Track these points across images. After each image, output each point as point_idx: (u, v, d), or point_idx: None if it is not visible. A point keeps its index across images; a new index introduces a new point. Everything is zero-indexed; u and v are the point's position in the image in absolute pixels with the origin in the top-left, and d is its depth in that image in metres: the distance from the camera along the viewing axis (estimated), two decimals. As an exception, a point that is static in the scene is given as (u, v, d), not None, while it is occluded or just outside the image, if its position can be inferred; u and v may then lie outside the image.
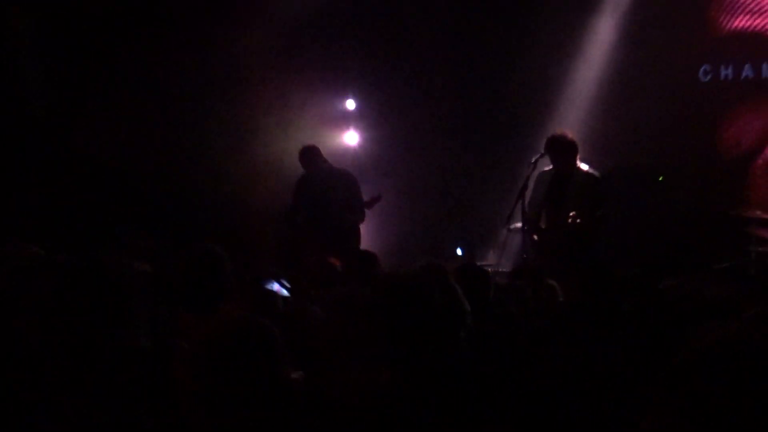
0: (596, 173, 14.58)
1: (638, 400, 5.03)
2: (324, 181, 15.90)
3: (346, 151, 19.36)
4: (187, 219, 17.01)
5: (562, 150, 14.33)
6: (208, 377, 5.09)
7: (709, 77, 19.10)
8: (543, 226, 14.49)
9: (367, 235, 16.47)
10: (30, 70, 17.24)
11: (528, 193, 14.29)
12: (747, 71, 18.85)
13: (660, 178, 17.81)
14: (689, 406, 3.37)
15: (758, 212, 16.87)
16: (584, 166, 14.49)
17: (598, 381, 5.77)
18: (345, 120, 20.00)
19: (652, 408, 3.48)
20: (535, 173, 14.70)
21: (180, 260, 8.03)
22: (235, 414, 4.84)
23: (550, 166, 14.67)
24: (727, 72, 19.01)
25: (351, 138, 19.77)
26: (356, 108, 20.03)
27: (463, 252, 17.75)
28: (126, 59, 17.92)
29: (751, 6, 18.84)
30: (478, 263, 14.96)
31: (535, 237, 14.56)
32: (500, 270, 14.33)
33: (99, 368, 5.23)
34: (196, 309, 7.19)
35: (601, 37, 19.02)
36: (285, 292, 11.79)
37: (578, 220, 13.93)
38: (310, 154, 16.05)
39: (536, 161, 14.68)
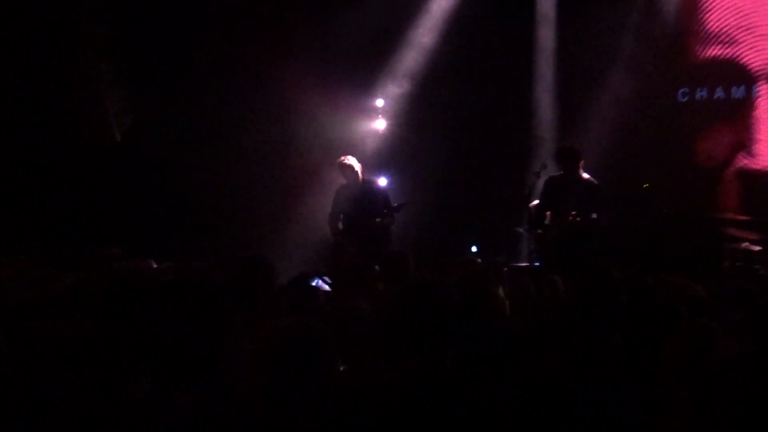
0: (596, 181, 14.66)
1: (639, 391, 4.95)
2: (358, 190, 15.92)
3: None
4: (240, 222, 17.04)
5: (570, 158, 14.46)
6: (264, 378, 4.90)
7: (686, 98, 19.18)
8: (548, 224, 14.55)
9: (396, 233, 16.46)
10: (109, 96, 17.16)
11: (534, 197, 14.48)
12: (719, 93, 18.89)
13: (645, 186, 17.80)
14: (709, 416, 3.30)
15: (730, 214, 16.92)
16: (585, 175, 14.57)
17: (598, 374, 5.40)
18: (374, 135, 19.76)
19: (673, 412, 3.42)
20: (540, 181, 14.82)
21: (232, 270, 7.95)
22: (289, 411, 4.69)
23: (557, 173, 14.76)
24: (702, 93, 19.07)
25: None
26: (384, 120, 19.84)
27: (477, 249, 17.66)
28: (190, 84, 17.78)
29: (722, 38, 18.89)
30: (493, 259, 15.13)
31: (540, 231, 14.66)
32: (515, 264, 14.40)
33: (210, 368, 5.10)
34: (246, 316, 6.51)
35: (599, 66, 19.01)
36: (327, 288, 11.85)
37: (578, 219, 14.03)
38: (347, 169, 16.08)
39: (540, 171, 14.82)
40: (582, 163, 14.66)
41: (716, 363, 3.37)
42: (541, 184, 14.99)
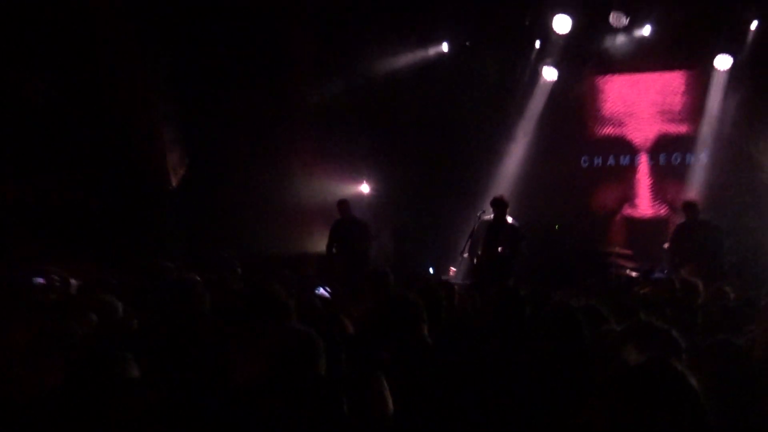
0: (516, 223, 14.84)
1: (544, 380, 4.69)
2: (348, 224, 16.07)
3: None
4: (265, 247, 16.75)
5: (500, 206, 14.62)
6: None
7: (587, 164, 19.33)
8: (481, 254, 14.69)
9: (376, 256, 16.58)
10: (169, 151, 17.16)
11: (475, 234, 14.64)
12: (611, 161, 19.14)
13: (556, 227, 17.92)
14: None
15: (616, 249, 17.10)
16: (509, 219, 14.74)
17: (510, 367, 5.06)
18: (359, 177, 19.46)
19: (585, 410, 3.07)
20: (481, 221, 14.96)
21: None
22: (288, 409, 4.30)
23: (490, 216, 14.88)
24: (598, 161, 19.27)
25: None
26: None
27: (433, 270, 17.73)
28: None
29: (613, 121, 19.20)
30: (443, 278, 15.30)
31: (475, 261, 14.82)
32: (457, 282, 14.44)
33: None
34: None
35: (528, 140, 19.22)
36: (326, 295, 11.96)
37: (505, 251, 14.23)
38: (343, 206, 16.24)
39: (480, 215, 15.00)
40: (508, 209, 14.85)
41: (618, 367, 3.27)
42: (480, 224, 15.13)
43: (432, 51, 19.28)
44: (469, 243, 15.07)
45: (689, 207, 15.06)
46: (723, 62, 17.49)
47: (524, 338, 5.25)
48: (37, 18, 15.31)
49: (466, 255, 15.29)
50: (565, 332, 4.85)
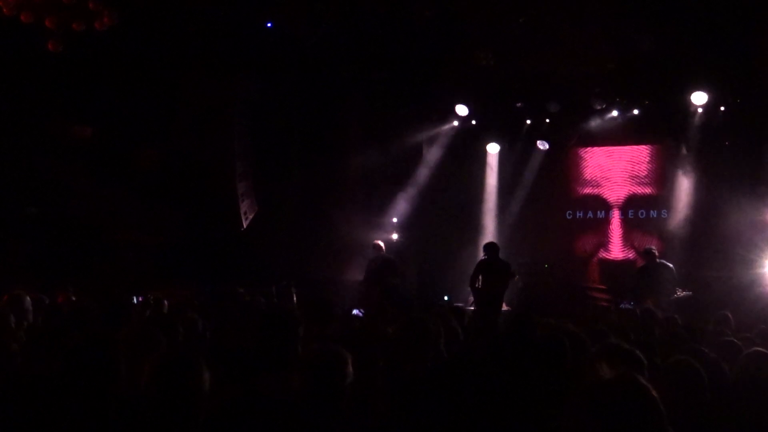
0: (509, 263, 14.73)
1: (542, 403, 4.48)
2: (381, 262, 16.01)
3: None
4: (311, 278, 16.35)
5: (492, 250, 14.56)
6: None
7: (570, 217, 19.25)
8: (479, 287, 14.54)
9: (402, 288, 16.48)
10: (241, 200, 17.24)
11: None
12: (590, 214, 19.07)
13: (546, 266, 17.84)
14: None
15: (593, 284, 17.04)
16: (502, 259, 14.68)
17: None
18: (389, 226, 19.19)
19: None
20: (479, 261, 14.86)
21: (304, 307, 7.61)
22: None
23: (486, 256, 14.79)
24: (580, 214, 19.19)
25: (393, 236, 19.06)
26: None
27: (448, 298, 17.59)
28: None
29: (592, 183, 19.18)
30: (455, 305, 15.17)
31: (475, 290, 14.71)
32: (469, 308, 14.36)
33: None
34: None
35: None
36: (360, 315, 11.90)
37: (498, 286, 14.17)
38: (377, 247, 16.19)
39: (483, 257, 14.91)
40: (499, 252, 14.76)
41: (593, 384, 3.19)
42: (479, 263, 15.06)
43: (447, 126, 19.31)
44: (472, 279, 15.07)
45: (648, 253, 15.16)
46: (676, 139, 17.53)
47: (521, 356, 5.19)
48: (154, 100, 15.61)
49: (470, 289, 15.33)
50: (553, 353, 4.81)
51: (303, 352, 4.70)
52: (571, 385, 4.27)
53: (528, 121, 18.93)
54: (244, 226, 17.20)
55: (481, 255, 15.15)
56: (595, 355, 4.32)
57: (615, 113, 17.85)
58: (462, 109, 18.58)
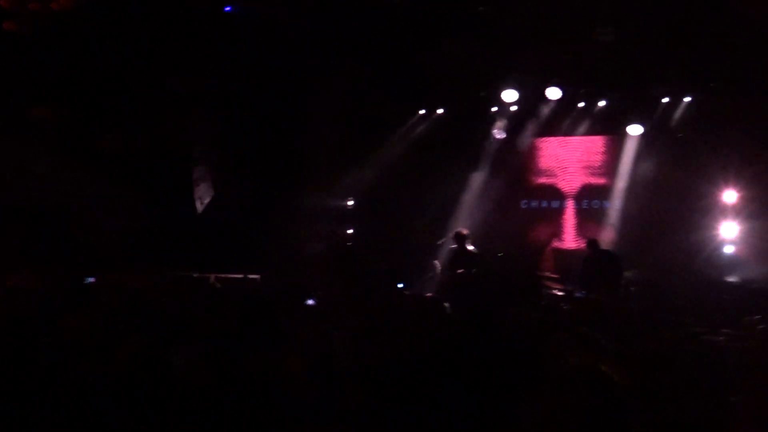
0: (475, 250, 14.82)
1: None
2: (341, 249, 15.98)
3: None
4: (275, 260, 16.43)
5: (461, 238, 14.62)
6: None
7: (526, 206, 19.45)
8: (447, 276, 14.62)
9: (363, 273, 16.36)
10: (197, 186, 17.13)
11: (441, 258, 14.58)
12: (544, 204, 19.29)
13: (499, 254, 17.92)
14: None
15: (547, 273, 17.12)
16: (470, 246, 14.73)
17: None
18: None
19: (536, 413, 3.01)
20: (448, 249, 14.90)
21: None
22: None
23: (455, 245, 14.85)
24: (535, 204, 19.38)
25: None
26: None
27: (402, 285, 17.56)
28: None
29: (547, 173, 19.35)
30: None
31: (440, 279, 14.76)
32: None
33: None
34: None
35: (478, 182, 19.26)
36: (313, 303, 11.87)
37: (465, 273, 14.23)
38: (336, 235, 16.15)
39: (443, 242, 14.97)
40: (468, 240, 14.85)
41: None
42: (444, 249, 15.13)
43: (412, 114, 19.55)
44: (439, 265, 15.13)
45: (591, 243, 15.36)
46: (635, 130, 17.76)
47: (485, 345, 5.23)
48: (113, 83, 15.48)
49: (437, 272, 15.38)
50: (518, 343, 4.86)
51: (295, 334, 4.73)
52: (536, 374, 4.40)
53: (494, 109, 19.07)
54: (200, 211, 17.13)
55: (438, 242, 15.26)
56: (560, 343, 4.40)
57: (573, 102, 18.08)
58: (428, 100, 18.75)
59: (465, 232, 15.20)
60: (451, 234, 15.45)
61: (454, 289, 14.09)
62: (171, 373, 3.84)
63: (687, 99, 17.17)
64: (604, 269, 14.59)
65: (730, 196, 16.20)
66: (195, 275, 13.24)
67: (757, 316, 8.50)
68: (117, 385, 3.80)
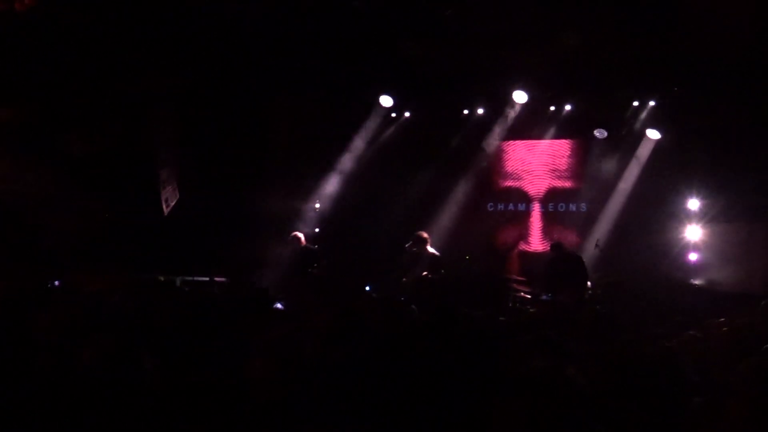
0: (437, 253, 14.84)
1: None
2: (302, 252, 15.91)
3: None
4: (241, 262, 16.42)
5: (421, 241, 14.61)
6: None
7: (492, 209, 19.48)
8: (405, 279, 14.60)
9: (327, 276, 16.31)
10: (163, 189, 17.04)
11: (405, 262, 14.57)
12: (511, 207, 19.32)
13: (467, 258, 17.94)
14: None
15: (513, 276, 17.20)
16: (431, 249, 14.73)
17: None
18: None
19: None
20: (408, 252, 14.91)
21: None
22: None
23: (415, 248, 14.86)
24: (501, 207, 19.42)
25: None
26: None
27: (370, 288, 17.55)
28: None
29: (513, 176, 19.42)
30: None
31: (402, 281, 14.70)
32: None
33: None
34: None
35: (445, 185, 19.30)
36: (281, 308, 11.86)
37: (429, 276, 14.22)
38: (296, 238, 16.06)
39: (409, 246, 14.97)
40: (429, 242, 14.86)
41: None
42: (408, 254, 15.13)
43: (374, 115, 19.49)
44: (400, 269, 15.14)
45: (556, 246, 15.41)
46: (600, 134, 17.92)
47: (450, 347, 5.24)
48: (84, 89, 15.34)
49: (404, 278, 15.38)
50: (483, 345, 4.88)
51: (264, 339, 4.74)
52: (501, 376, 4.43)
53: (465, 111, 19.09)
54: (166, 213, 17.05)
55: (407, 245, 15.24)
56: (526, 345, 4.43)
57: (539, 107, 18.20)
58: (386, 100, 18.72)
59: (425, 235, 15.23)
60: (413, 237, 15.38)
61: (420, 292, 14.15)
62: (136, 375, 3.80)
63: (651, 103, 17.32)
64: (568, 272, 14.64)
65: (693, 203, 16.32)
66: (161, 278, 13.20)
67: (720, 319, 8.63)
68: (82, 387, 3.78)
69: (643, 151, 17.67)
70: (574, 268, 14.68)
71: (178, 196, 17.47)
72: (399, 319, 8.20)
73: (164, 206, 17.12)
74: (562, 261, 14.97)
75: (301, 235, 16.24)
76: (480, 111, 18.84)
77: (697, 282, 15.50)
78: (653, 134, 17.51)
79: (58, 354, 4.39)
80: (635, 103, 17.45)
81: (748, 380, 4.51)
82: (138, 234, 16.08)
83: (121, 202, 16.26)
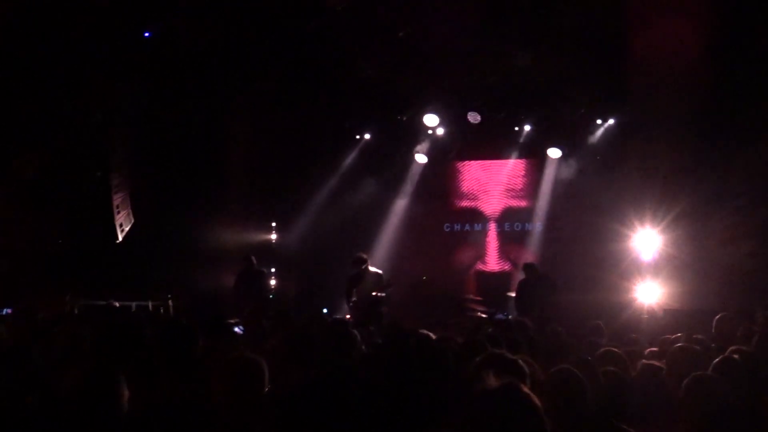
0: (380, 272, 14.73)
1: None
2: (251, 274, 15.77)
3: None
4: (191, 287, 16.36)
5: (361, 262, 14.50)
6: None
7: (449, 229, 19.57)
8: (355, 299, 14.51)
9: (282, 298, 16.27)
10: (118, 214, 16.87)
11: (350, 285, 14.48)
12: (467, 227, 19.51)
13: (424, 278, 17.99)
14: None
15: (470, 295, 17.28)
16: (372, 269, 14.65)
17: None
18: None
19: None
20: (350, 275, 14.81)
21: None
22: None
23: (356, 270, 14.76)
24: (457, 227, 19.56)
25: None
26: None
27: (327, 310, 17.51)
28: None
29: (469, 196, 19.65)
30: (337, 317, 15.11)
31: (351, 303, 14.59)
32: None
33: None
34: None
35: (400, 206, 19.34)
36: (240, 332, 11.76)
37: (378, 294, 14.17)
38: (248, 260, 15.92)
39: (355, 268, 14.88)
40: (369, 263, 14.78)
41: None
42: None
43: (332, 137, 19.48)
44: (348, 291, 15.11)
45: (529, 267, 15.33)
46: (554, 153, 18.09)
47: (402, 367, 5.22)
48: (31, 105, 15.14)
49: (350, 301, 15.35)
50: (436, 364, 4.86)
51: (220, 361, 4.74)
52: (454, 395, 4.41)
53: (412, 135, 19.13)
54: (120, 238, 16.87)
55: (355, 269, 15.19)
56: (479, 364, 4.42)
57: (493, 126, 18.32)
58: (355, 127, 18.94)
59: (364, 255, 15.16)
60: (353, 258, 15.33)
61: (372, 311, 14.12)
62: (90, 401, 3.76)
63: (606, 123, 17.49)
64: (539, 294, 14.59)
65: (646, 219, 16.42)
66: (116, 303, 13.06)
67: (675, 335, 8.71)
68: (33, 414, 3.74)
69: (549, 171, 18.00)
70: (543, 292, 14.62)
71: (132, 221, 17.29)
72: (352, 341, 8.22)
73: (118, 231, 16.92)
74: (533, 283, 14.90)
75: (253, 257, 16.13)
76: (435, 132, 18.89)
77: (651, 300, 15.61)
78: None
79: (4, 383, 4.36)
80: (584, 123, 17.60)
81: (692, 396, 4.60)
82: (92, 259, 15.88)
83: (74, 227, 16.04)
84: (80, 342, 6.31)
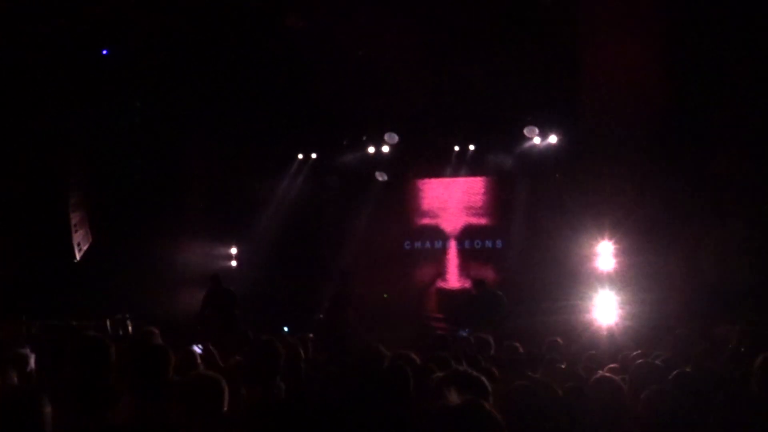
0: (351, 293, 14.72)
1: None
2: (220, 293, 15.72)
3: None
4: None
5: (345, 276, 14.45)
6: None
7: (409, 247, 19.59)
8: (323, 317, 14.49)
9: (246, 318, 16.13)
10: (76, 233, 16.71)
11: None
12: (428, 245, 19.50)
13: (385, 296, 17.99)
14: None
15: (431, 313, 17.29)
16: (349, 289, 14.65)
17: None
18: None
19: None
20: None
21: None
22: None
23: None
24: (418, 244, 19.57)
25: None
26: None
27: (288, 329, 17.40)
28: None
29: (430, 213, 19.62)
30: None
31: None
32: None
33: None
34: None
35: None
36: (200, 351, 11.70)
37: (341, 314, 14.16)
38: (216, 279, 15.89)
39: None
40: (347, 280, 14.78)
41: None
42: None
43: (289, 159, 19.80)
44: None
45: (478, 283, 15.36)
46: (508, 170, 18.25)
47: (364, 385, 5.22)
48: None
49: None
50: (397, 381, 4.86)
51: (179, 381, 4.70)
52: (415, 412, 4.42)
53: (371, 150, 19.16)
54: (78, 258, 16.71)
55: (325, 286, 15.20)
56: (441, 381, 4.42)
57: (453, 145, 18.44)
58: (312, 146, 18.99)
59: (346, 270, 15.19)
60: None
61: (333, 330, 14.09)
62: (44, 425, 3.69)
63: (554, 139, 17.59)
64: (487, 308, 14.63)
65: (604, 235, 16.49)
66: (74, 323, 12.93)
67: (635, 352, 8.77)
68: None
69: (507, 189, 18.56)
70: (494, 306, 14.65)
71: (90, 240, 17.13)
72: (313, 359, 8.18)
73: (76, 250, 16.76)
74: (481, 297, 14.94)
75: (218, 275, 16.10)
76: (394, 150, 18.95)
77: (611, 317, 15.67)
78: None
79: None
80: (535, 140, 17.69)
81: (650, 408, 4.62)
82: (49, 279, 15.69)
83: (31, 246, 15.85)
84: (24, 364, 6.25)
